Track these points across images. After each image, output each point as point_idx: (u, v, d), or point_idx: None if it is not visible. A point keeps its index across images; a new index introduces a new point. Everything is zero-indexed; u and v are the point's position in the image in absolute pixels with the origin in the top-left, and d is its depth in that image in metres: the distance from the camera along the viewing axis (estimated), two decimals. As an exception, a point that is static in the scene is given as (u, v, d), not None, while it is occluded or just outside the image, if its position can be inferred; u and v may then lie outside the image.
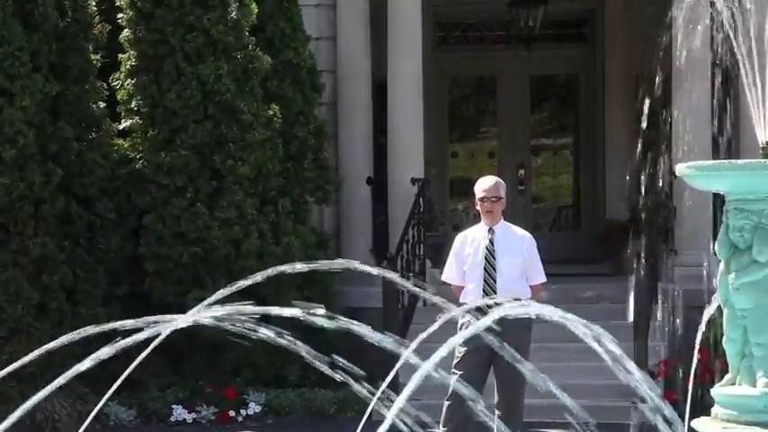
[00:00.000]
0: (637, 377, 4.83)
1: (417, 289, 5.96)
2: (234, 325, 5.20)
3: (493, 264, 9.96)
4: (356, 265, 5.69)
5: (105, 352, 5.11)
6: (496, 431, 9.38)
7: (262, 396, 13.07)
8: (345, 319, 5.12)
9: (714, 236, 6.67)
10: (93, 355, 5.14)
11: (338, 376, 5.44)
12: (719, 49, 6.73)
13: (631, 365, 4.71)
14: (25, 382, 9.28)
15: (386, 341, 5.02)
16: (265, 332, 5.21)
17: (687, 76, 13.32)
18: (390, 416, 4.13)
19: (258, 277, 5.63)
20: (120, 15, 13.63)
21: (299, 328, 5.28)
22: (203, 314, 5.21)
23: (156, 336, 5.39)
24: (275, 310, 5.12)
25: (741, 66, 6.51)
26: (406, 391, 4.07)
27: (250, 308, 5.11)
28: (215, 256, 13.16)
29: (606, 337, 4.68)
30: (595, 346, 4.66)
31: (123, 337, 5.25)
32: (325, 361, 5.44)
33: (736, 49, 6.52)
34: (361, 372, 5.46)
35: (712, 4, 6.64)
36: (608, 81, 20.12)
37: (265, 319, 5.28)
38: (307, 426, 12.83)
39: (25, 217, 12.31)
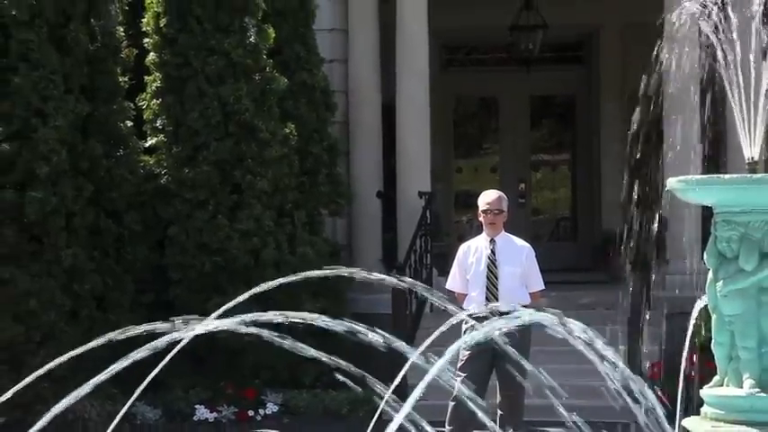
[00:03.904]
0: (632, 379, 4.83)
1: (435, 299, 5.94)
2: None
3: (495, 272, 9.97)
4: (377, 275, 5.70)
5: (140, 354, 5.13)
6: (499, 430, 9.38)
7: (279, 397, 13.06)
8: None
9: (702, 246, 6.65)
10: (129, 357, 5.16)
11: (349, 381, 5.45)
12: (708, 72, 6.73)
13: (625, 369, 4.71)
14: (58, 384, 9.27)
15: (395, 346, 5.02)
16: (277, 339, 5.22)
17: (678, 97, 13.31)
18: (398, 419, 4.12)
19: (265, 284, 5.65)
20: (146, 40, 13.67)
21: (315, 333, 5.29)
22: (227, 320, 5.23)
23: (181, 339, 5.40)
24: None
25: (728, 86, 6.51)
26: (414, 395, 4.07)
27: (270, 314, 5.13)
28: (235, 265, 13.16)
29: (599, 342, 4.68)
30: (611, 352, 4.65)
31: (149, 341, 5.26)
32: (337, 364, 5.45)
33: (723, 72, 6.52)
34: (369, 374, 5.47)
35: (701, 31, 6.64)
36: (603, 100, 20.14)
37: (281, 325, 5.28)
38: (321, 424, 12.82)
39: (58, 229, 12.32)
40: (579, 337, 4.81)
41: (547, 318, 4.77)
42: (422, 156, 15.62)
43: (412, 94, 15.53)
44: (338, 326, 5.05)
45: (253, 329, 5.21)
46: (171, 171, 13.44)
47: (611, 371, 5.02)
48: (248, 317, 5.18)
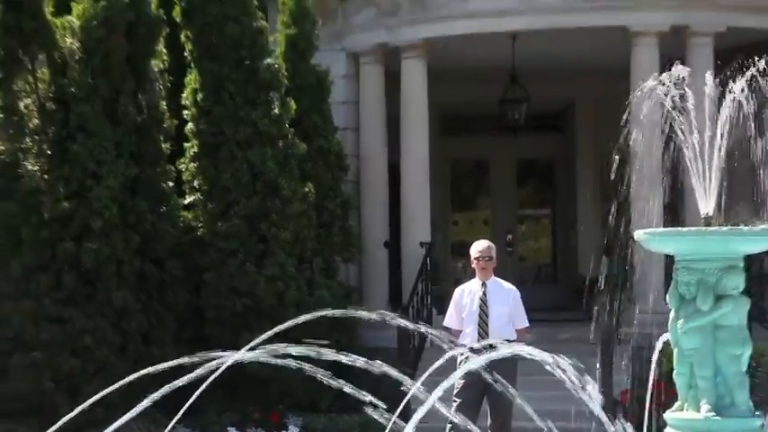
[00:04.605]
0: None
1: (435, 334, 5.98)
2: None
3: (486, 312, 9.99)
4: (385, 314, 5.72)
5: (177, 383, 5.18)
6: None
7: (300, 420, 13.04)
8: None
9: (665, 289, 6.68)
10: (168, 386, 5.20)
11: (364, 397, 5.48)
12: (668, 140, 6.79)
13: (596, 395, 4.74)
14: (109, 409, 9.28)
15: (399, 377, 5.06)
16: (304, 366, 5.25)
17: (642, 160, 13.37)
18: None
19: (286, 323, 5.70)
20: (185, 112, 13.78)
21: (332, 363, 5.33)
22: (260, 352, 5.26)
23: (215, 370, 5.44)
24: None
25: (686, 152, 6.56)
26: (416, 417, 4.12)
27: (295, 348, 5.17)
28: (262, 306, 13.19)
29: (571, 371, 4.72)
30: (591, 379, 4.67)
31: (188, 373, 5.31)
32: (350, 389, 5.48)
33: (681, 140, 6.58)
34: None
35: (662, 104, 6.71)
36: (579, 163, 20.21)
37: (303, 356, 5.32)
38: (336, 444, 12.78)
39: (109, 275, 12.37)
40: (564, 370, 4.85)
41: (545, 354, 4.81)
42: (423, 211, 15.68)
43: (415, 158, 15.61)
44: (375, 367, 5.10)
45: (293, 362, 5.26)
46: (206, 225, 13.51)
47: (587, 398, 5.05)
48: (299, 349, 5.22)
